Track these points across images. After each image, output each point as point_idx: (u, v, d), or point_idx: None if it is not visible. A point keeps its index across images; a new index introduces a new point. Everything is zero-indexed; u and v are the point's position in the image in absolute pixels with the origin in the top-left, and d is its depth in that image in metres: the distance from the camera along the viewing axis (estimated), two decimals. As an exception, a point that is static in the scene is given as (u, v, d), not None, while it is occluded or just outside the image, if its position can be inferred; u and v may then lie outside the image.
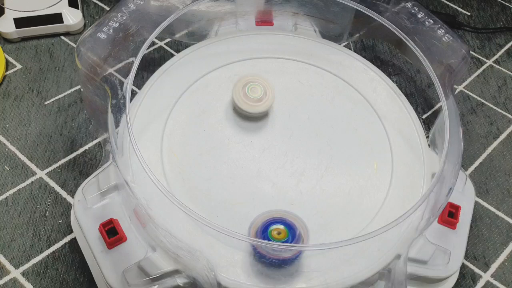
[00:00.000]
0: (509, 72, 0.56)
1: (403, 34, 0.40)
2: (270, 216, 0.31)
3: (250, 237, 0.31)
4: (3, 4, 0.55)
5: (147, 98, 0.39)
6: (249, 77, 0.38)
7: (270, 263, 0.31)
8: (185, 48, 0.43)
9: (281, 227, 0.31)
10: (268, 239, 0.30)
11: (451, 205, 0.36)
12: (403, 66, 0.55)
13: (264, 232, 0.31)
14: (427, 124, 0.50)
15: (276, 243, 0.30)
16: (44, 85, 0.51)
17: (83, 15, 0.57)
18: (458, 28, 0.60)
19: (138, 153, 0.32)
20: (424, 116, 0.50)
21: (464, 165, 0.47)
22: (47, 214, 0.41)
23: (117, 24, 0.40)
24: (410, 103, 0.42)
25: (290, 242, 0.30)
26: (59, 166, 0.45)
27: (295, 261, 0.31)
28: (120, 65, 0.38)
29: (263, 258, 0.31)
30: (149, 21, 0.40)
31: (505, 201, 0.44)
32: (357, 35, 0.49)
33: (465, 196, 0.38)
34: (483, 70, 0.56)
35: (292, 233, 0.31)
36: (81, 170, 0.44)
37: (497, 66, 0.56)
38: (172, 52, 0.55)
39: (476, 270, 0.40)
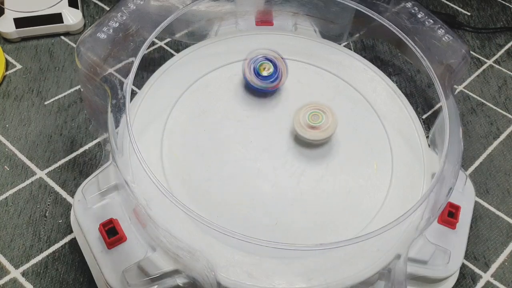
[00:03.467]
0: (509, 72, 0.56)
1: (403, 34, 0.40)
2: (260, 54, 0.39)
3: (245, 67, 0.39)
4: (3, 4, 0.55)
5: (147, 98, 0.39)
6: (311, 105, 0.38)
7: (256, 90, 0.40)
8: (185, 48, 0.43)
9: (268, 65, 0.39)
10: (258, 72, 0.39)
11: (451, 205, 0.36)
12: (403, 66, 0.55)
13: (254, 67, 0.39)
14: (427, 124, 0.50)
15: (283, 243, 0.30)
16: (44, 85, 0.51)
17: (83, 15, 0.57)
18: (458, 28, 0.60)
19: (138, 153, 0.32)
20: (424, 116, 0.50)
21: (464, 165, 0.47)
22: (47, 214, 0.41)
23: (117, 24, 0.40)
24: (410, 103, 0.42)
25: (273, 76, 0.39)
26: (59, 166, 0.45)
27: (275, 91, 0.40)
28: (120, 65, 0.38)
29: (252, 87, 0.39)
30: (149, 21, 0.40)
31: (505, 201, 0.44)
32: (357, 35, 0.49)
33: (465, 196, 0.38)
34: (483, 70, 0.56)
35: (275, 69, 0.39)
36: (81, 170, 0.44)
37: (497, 66, 0.56)
38: (172, 52, 0.55)
39: (476, 270, 0.40)
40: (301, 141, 0.38)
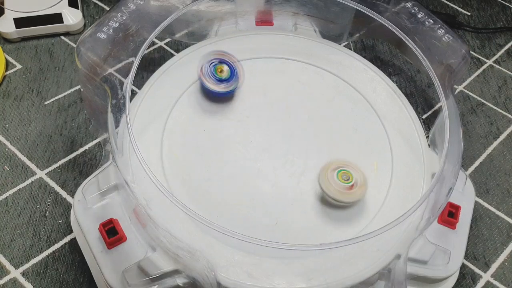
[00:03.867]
0: (509, 72, 0.56)
1: (403, 34, 0.40)
2: (214, 56, 0.39)
3: (199, 73, 0.38)
4: (3, 4, 0.55)
5: (147, 98, 0.39)
6: (338, 163, 0.35)
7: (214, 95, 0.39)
8: (185, 48, 0.43)
9: (223, 67, 0.38)
10: (216, 77, 0.38)
11: (451, 205, 0.36)
12: (403, 66, 0.55)
13: (210, 70, 0.38)
14: (427, 124, 0.50)
15: (282, 243, 0.30)
16: (44, 85, 0.51)
17: (83, 15, 0.57)
18: (458, 28, 0.60)
19: (138, 153, 0.32)
20: (424, 116, 0.50)
21: (464, 165, 0.47)
22: (47, 214, 0.41)
23: (117, 24, 0.40)
24: (410, 103, 0.42)
25: (231, 78, 0.38)
26: (59, 166, 0.45)
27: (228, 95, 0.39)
28: (120, 65, 0.38)
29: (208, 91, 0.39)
30: (149, 21, 0.40)
31: (505, 201, 0.44)
32: (357, 35, 0.49)
33: (465, 196, 0.38)
34: (483, 70, 0.56)
35: (232, 71, 0.38)
36: (81, 170, 0.44)
37: (497, 66, 0.56)
38: (172, 52, 0.55)
39: (476, 270, 0.40)
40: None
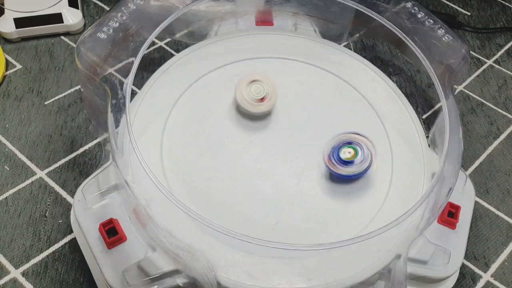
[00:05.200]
0: (509, 72, 0.56)
1: (403, 34, 0.40)
2: (340, 140, 0.36)
3: (325, 158, 0.35)
4: (3, 4, 0.55)
5: (147, 98, 0.39)
6: (253, 76, 0.38)
7: (343, 179, 0.36)
8: (185, 48, 0.43)
9: (351, 149, 0.35)
10: (340, 159, 0.35)
11: (451, 205, 0.36)
12: (403, 66, 0.55)
13: (336, 153, 0.35)
14: (427, 124, 0.50)
15: (286, 243, 0.30)
16: (44, 85, 0.51)
17: (83, 15, 0.57)
18: (458, 28, 0.60)
19: (138, 153, 0.32)
20: (424, 116, 0.50)
21: (464, 165, 0.47)
22: (47, 214, 0.41)
23: (117, 24, 0.40)
24: (410, 103, 0.42)
25: (360, 161, 0.35)
26: (59, 166, 0.45)
27: (364, 175, 0.36)
28: (120, 65, 0.38)
29: (339, 177, 0.36)
30: (149, 21, 0.40)
31: (505, 201, 0.44)
32: (357, 35, 0.49)
33: (465, 196, 0.38)
34: (483, 70, 0.56)
35: (362, 152, 0.35)
36: (81, 170, 0.44)
37: (497, 66, 0.56)
38: (172, 52, 0.55)
39: (476, 270, 0.40)
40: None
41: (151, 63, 0.53)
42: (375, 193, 0.36)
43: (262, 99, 0.37)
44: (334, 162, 0.35)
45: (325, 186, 0.36)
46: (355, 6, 0.42)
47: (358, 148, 0.35)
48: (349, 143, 0.35)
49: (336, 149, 0.35)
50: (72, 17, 0.56)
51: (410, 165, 0.38)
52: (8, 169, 0.44)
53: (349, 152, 0.35)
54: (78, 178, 0.44)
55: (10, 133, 0.47)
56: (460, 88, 0.54)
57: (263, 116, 0.39)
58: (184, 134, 0.38)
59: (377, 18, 0.41)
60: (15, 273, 0.38)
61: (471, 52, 0.57)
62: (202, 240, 0.32)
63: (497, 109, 0.52)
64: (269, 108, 0.38)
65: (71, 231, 0.41)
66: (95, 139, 0.47)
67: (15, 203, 0.42)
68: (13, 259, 0.39)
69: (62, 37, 0.56)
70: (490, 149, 0.48)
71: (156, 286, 0.32)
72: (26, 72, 0.52)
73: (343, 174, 0.35)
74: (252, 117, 0.39)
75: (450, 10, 0.62)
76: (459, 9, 0.63)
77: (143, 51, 0.37)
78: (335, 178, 0.37)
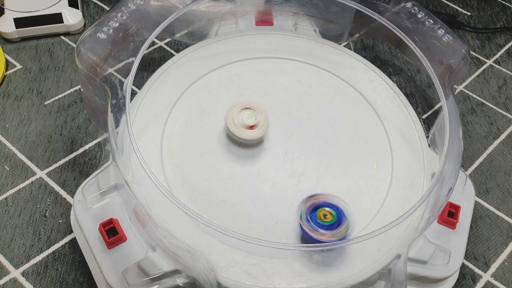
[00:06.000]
0: (509, 72, 0.56)
1: (403, 34, 0.40)
2: (318, 199, 0.33)
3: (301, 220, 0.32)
4: (3, 4, 0.55)
5: (147, 98, 0.39)
6: (245, 103, 0.37)
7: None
8: (185, 48, 0.43)
9: (329, 210, 0.32)
10: (316, 221, 0.32)
11: (451, 205, 0.36)
12: (403, 66, 0.55)
13: (312, 213, 0.32)
14: (427, 124, 0.50)
15: (280, 243, 0.30)
16: (44, 85, 0.51)
17: (83, 15, 0.57)
18: (458, 28, 0.60)
19: (138, 153, 0.32)
20: (424, 116, 0.50)
21: (464, 165, 0.47)
22: (47, 214, 0.41)
23: (117, 24, 0.40)
24: (410, 103, 0.42)
25: (336, 227, 0.31)
26: (59, 166, 0.45)
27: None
28: (120, 65, 0.38)
29: (310, 239, 0.32)
30: (149, 21, 0.40)
31: (505, 201, 0.44)
32: (357, 35, 0.49)
33: (465, 196, 0.38)
34: (483, 70, 0.56)
35: (338, 217, 0.32)
36: (81, 170, 0.44)
37: (497, 66, 0.56)
38: (172, 52, 0.55)
39: (476, 270, 0.40)
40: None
41: (151, 63, 0.53)
42: (375, 193, 0.36)
43: (252, 127, 0.36)
44: (317, 231, 0.31)
45: (325, 186, 0.36)
46: (355, 6, 0.42)
47: (333, 209, 0.32)
48: (319, 206, 0.32)
49: (312, 215, 0.32)
50: (72, 17, 0.56)
51: (410, 165, 0.38)
52: (8, 169, 0.44)
53: (325, 216, 0.32)
54: (78, 178, 0.44)
55: (10, 133, 0.47)
56: (460, 88, 0.54)
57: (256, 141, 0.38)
58: (184, 134, 0.38)
59: (377, 18, 0.41)
60: (15, 273, 0.38)
61: (471, 52, 0.57)
62: (202, 240, 0.32)
63: (497, 109, 0.52)
64: (259, 136, 0.36)
65: (71, 231, 0.41)
66: (95, 139, 0.47)
67: (15, 203, 0.42)
68: (13, 259, 0.39)
69: (62, 37, 0.56)
70: (490, 149, 0.48)
71: (156, 286, 0.32)
72: (26, 72, 0.52)
73: (327, 241, 0.31)
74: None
75: (450, 10, 0.62)
76: (459, 9, 0.63)
77: (143, 51, 0.37)
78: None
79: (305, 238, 0.32)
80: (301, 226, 0.32)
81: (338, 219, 0.32)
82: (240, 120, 0.36)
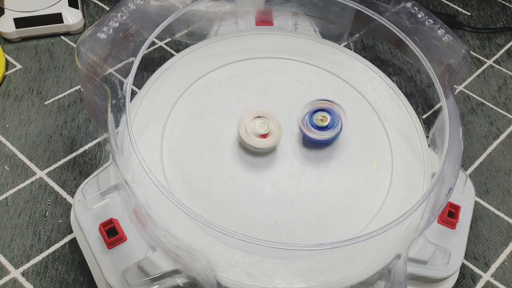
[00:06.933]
0: (509, 72, 0.56)
1: (403, 34, 0.40)
2: (315, 106, 0.37)
3: (300, 121, 0.37)
4: (3, 4, 0.55)
5: (147, 98, 0.39)
6: (258, 111, 0.37)
7: (316, 143, 0.38)
8: (185, 48, 0.43)
9: (325, 114, 0.37)
10: (314, 124, 0.37)
11: (451, 205, 0.36)
12: (403, 66, 0.55)
13: (310, 118, 0.37)
14: (427, 124, 0.50)
15: (288, 244, 0.30)
16: (44, 85, 0.51)
17: (83, 15, 0.57)
18: (458, 28, 0.60)
19: (138, 153, 0.32)
20: (424, 116, 0.50)
21: (464, 165, 0.47)
22: (47, 214, 0.41)
23: (117, 24, 0.40)
24: (410, 103, 0.42)
25: (333, 125, 0.37)
26: (59, 166, 0.45)
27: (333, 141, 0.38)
28: (120, 65, 0.38)
29: (309, 140, 0.37)
30: (149, 21, 0.40)
31: (505, 201, 0.44)
32: (357, 35, 0.49)
33: (465, 196, 0.38)
34: (483, 70, 0.56)
35: (332, 118, 0.37)
36: (81, 170, 0.44)
37: (497, 66, 0.56)
38: (172, 52, 0.55)
39: (476, 270, 0.40)
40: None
41: (151, 63, 0.53)
42: (375, 193, 0.36)
43: (265, 135, 0.36)
44: (309, 128, 0.37)
45: (325, 186, 0.36)
46: (355, 6, 0.42)
47: (330, 115, 0.37)
48: (321, 110, 0.37)
49: (310, 115, 0.37)
50: (72, 17, 0.56)
51: (410, 165, 0.38)
52: (8, 169, 0.44)
53: (321, 120, 0.37)
54: (78, 178, 0.44)
55: (10, 133, 0.47)
56: (460, 88, 0.54)
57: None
58: (184, 134, 0.38)
59: (377, 18, 0.41)
60: (15, 273, 0.38)
61: (471, 52, 0.57)
62: (202, 240, 0.32)
63: (497, 109, 0.52)
64: (273, 144, 0.37)
65: (71, 231, 0.41)
66: (95, 139, 0.47)
67: (15, 203, 0.42)
68: (13, 259, 0.39)
69: (62, 37, 0.56)
70: (490, 149, 0.48)
71: (156, 286, 0.32)
72: (26, 72, 0.52)
73: (316, 139, 0.37)
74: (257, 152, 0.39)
75: (450, 10, 0.62)
76: (459, 9, 0.63)
77: (143, 51, 0.37)
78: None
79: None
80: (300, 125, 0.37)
81: (331, 123, 0.37)
82: (252, 129, 0.36)
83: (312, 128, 0.37)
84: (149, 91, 0.40)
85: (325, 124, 0.37)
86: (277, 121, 0.37)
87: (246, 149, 0.37)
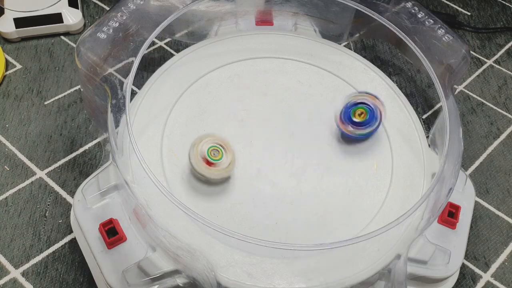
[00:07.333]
0: (509, 72, 0.56)
1: (403, 34, 0.40)
2: (353, 100, 0.37)
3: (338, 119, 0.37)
4: (3, 4, 0.55)
5: (147, 98, 0.39)
6: (207, 138, 0.35)
7: (356, 139, 0.38)
8: (185, 48, 0.43)
9: (363, 109, 0.37)
10: (352, 120, 0.37)
11: (451, 205, 0.36)
12: (403, 66, 0.55)
13: (347, 113, 0.37)
14: (427, 124, 0.50)
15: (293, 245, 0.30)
16: (44, 85, 0.51)
17: (83, 15, 0.57)
18: (458, 28, 0.60)
19: (138, 153, 0.32)
20: (424, 116, 0.50)
21: (464, 165, 0.47)
22: (47, 214, 0.41)
23: (117, 24, 0.40)
24: (410, 103, 0.42)
25: (370, 121, 0.37)
26: (59, 166, 0.45)
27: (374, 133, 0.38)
28: (120, 65, 0.38)
29: (349, 137, 0.38)
30: (149, 21, 0.40)
31: (505, 201, 0.44)
32: (357, 35, 0.49)
33: (465, 196, 0.38)
34: (483, 70, 0.56)
35: (370, 114, 0.36)
36: (81, 170, 0.44)
37: (497, 66, 0.56)
38: (172, 52, 0.55)
39: (476, 270, 0.40)
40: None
41: (151, 63, 0.53)
42: (375, 193, 0.36)
43: (215, 164, 0.34)
44: (346, 124, 0.37)
45: (325, 186, 0.36)
46: (355, 6, 0.42)
47: (369, 110, 0.36)
48: (360, 104, 0.36)
49: (348, 111, 0.37)
50: (72, 17, 0.56)
51: (410, 165, 0.38)
52: (8, 169, 0.44)
53: (359, 115, 0.36)
54: (78, 178, 0.44)
55: (10, 133, 0.47)
56: (460, 88, 0.54)
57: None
58: (184, 134, 0.38)
59: (377, 18, 0.41)
60: (15, 273, 0.38)
61: (471, 52, 0.57)
62: (202, 240, 0.32)
63: (497, 109, 0.52)
64: (222, 176, 0.34)
65: (71, 231, 0.41)
66: (95, 139, 0.47)
67: (15, 203, 0.42)
68: (13, 259, 0.39)
69: (62, 37, 0.56)
70: (490, 149, 0.48)
71: (156, 286, 0.32)
72: (26, 72, 0.52)
73: (354, 135, 0.37)
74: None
75: (450, 10, 0.62)
76: (459, 9, 0.63)
77: (143, 51, 0.37)
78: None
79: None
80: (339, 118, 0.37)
81: (369, 119, 0.36)
82: (204, 155, 0.34)
83: (349, 124, 0.37)
84: (149, 91, 0.40)
85: (363, 119, 0.36)
86: (232, 152, 0.34)
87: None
